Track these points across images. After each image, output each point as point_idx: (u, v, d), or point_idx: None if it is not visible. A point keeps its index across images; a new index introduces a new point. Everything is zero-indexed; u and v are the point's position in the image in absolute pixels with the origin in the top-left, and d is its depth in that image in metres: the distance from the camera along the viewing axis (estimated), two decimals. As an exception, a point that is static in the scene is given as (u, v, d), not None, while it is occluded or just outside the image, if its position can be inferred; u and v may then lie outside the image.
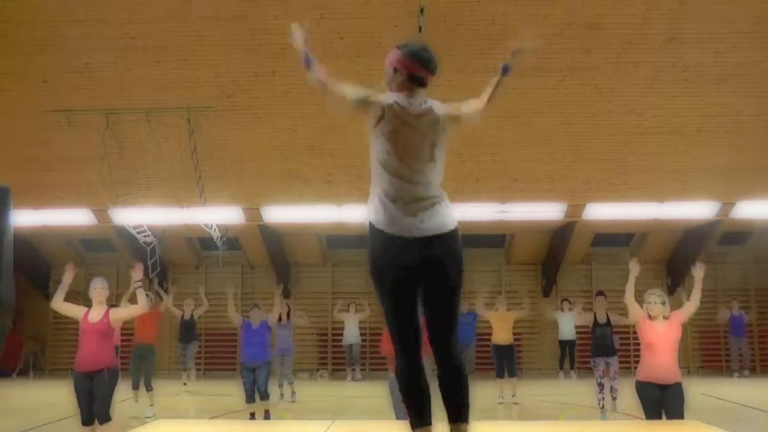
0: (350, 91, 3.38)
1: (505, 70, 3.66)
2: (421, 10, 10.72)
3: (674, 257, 17.27)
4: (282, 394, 12.41)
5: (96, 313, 6.86)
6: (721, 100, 12.16)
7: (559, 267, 17.09)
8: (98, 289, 6.96)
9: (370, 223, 3.43)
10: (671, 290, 17.46)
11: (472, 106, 3.58)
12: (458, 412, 3.30)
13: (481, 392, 13.14)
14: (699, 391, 13.38)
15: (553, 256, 17.04)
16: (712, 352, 17.00)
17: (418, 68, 3.44)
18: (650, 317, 6.27)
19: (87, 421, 6.68)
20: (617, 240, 17.58)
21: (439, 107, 3.44)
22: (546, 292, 17.55)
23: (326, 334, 17.65)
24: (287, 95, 12.14)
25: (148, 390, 10.71)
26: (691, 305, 6.35)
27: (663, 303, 6.27)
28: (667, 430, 5.63)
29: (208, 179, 13.22)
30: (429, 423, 3.36)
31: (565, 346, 15.95)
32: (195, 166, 12.91)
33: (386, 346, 6.70)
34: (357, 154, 12.67)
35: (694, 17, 11.08)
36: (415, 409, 3.35)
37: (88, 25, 11.33)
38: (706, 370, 16.95)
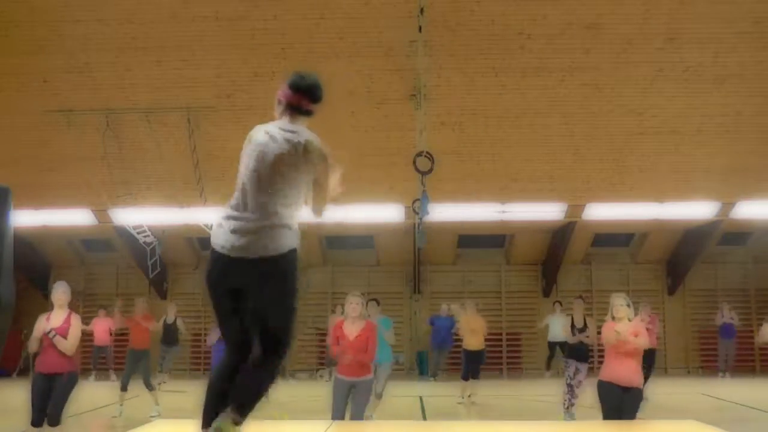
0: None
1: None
2: (421, 10, 10.72)
3: (674, 257, 17.27)
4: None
5: (57, 318, 6.85)
6: (721, 100, 12.17)
7: (559, 267, 17.09)
8: (59, 293, 6.97)
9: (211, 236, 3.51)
10: (671, 290, 17.48)
11: (320, 190, 3.61)
12: (240, 405, 3.32)
13: (446, 392, 13.24)
14: (698, 391, 13.41)
15: (553, 256, 17.04)
16: (711, 352, 16.99)
17: (293, 96, 3.56)
18: (614, 319, 6.28)
19: (37, 422, 6.67)
20: (617, 240, 17.57)
21: (310, 144, 3.47)
22: (546, 293, 17.55)
23: (326, 334, 17.62)
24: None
25: (149, 390, 10.79)
26: (641, 342, 6.27)
27: (627, 305, 6.29)
28: (666, 430, 5.64)
29: (208, 179, 13.23)
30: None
31: (554, 346, 15.91)
32: (195, 166, 12.91)
33: (332, 350, 6.87)
34: (357, 154, 12.68)
35: (694, 17, 11.08)
36: (210, 409, 3.38)
37: (88, 25, 11.34)
38: (705, 370, 16.95)
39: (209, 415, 3.36)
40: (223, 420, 3.28)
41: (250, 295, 3.35)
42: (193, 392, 14.28)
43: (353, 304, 6.76)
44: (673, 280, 17.39)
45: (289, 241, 3.37)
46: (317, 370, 17.16)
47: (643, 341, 6.20)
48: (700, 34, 11.33)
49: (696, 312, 17.45)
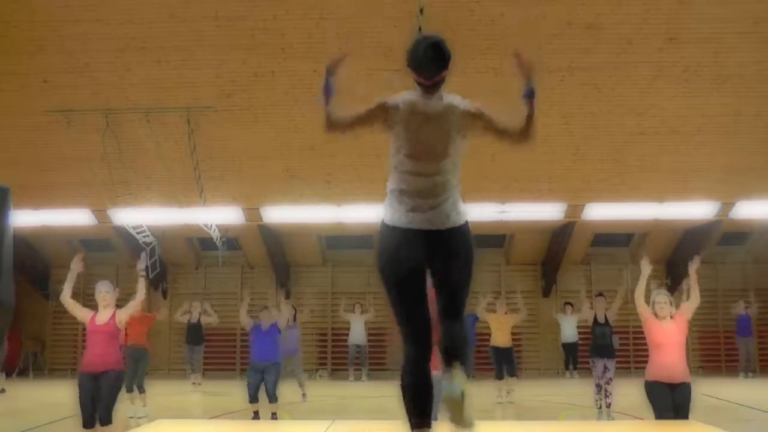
0: (364, 108, 3.41)
1: (530, 94, 3.41)
2: (421, 10, 10.72)
3: (674, 257, 17.26)
4: (304, 394, 12.42)
5: (103, 315, 6.89)
6: (721, 100, 12.16)
7: (559, 267, 17.08)
8: (103, 294, 6.98)
9: (382, 221, 3.36)
10: (671, 290, 17.45)
11: (503, 123, 3.43)
12: (454, 356, 3.26)
13: (479, 392, 13.19)
14: (699, 391, 13.32)
15: (552, 256, 17.04)
16: (711, 352, 16.99)
17: (415, 74, 3.39)
18: (658, 317, 6.28)
19: (89, 423, 6.63)
20: (617, 240, 17.58)
21: (459, 103, 3.38)
22: (546, 293, 17.55)
23: (326, 334, 17.65)
24: (287, 95, 12.14)
25: (140, 392, 10.72)
26: (693, 301, 6.39)
27: (670, 303, 6.32)
28: (667, 430, 5.63)
29: (207, 179, 13.22)
30: (429, 426, 3.29)
31: (567, 348, 15.98)
32: (195, 166, 12.91)
33: None
34: (357, 154, 12.68)
35: (694, 17, 11.08)
36: (417, 408, 3.27)
37: (88, 25, 11.33)
38: (705, 370, 16.94)
39: (427, 412, 3.26)
40: (457, 378, 3.18)
41: (435, 270, 3.32)
42: (203, 391, 14.33)
43: None
44: (672, 280, 17.37)
45: (465, 210, 3.41)
46: (317, 370, 17.16)
47: (692, 301, 6.37)
48: (700, 34, 11.32)
49: (696, 312, 17.30)
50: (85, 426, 6.65)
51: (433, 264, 3.32)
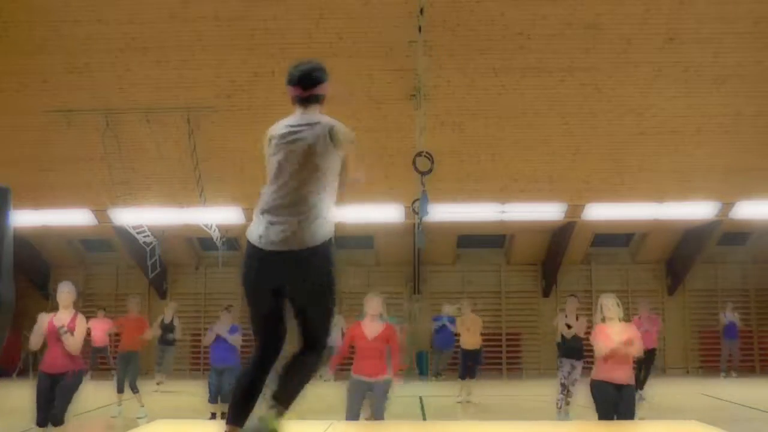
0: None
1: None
2: (421, 10, 10.72)
3: (674, 257, 17.27)
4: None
5: (63, 318, 6.82)
6: (721, 100, 12.16)
7: (559, 267, 17.09)
8: (65, 293, 6.95)
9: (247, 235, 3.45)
10: (671, 290, 17.48)
11: (345, 178, 3.66)
12: (276, 393, 3.33)
13: (446, 392, 13.22)
14: (698, 391, 13.40)
15: (552, 256, 17.04)
16: (711, 352, 17.00)
17: (289, 89, 3.62)
18: (604, 320, 6.31)
19: (42, 422, 6.65)
20: (617, 240, 17.58)
21: (325, 127, 3.47)
22: (546, 293, 17.55)
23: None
24: (287, 95, 12.12)
25: (134, 392, 10.79)
26: (636, 352, 6.26)
27: (617, 305, 6.28)
28: (666, 430, 5.63)
29: (208, 179, 13.23)
30: (241, 425, 3.34)
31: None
32: (195, 166, 12.91)
33: (343, 350, 6.82)
34: (356, 154, 12.66)
35: (694, 17, 11.09)
36: (238, 405, 3.35)
37: (88, 25, 11.34)
38: (705, 370, 16.94)
39: (240, 411, 3.31)
40: (267, 411, 3.25)
41: (289, 291, 3.34)
42: (193, 392, 14.37)
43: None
44: (672, 280, 17.39)
45: (323, 231, 3.35)
46: (317, 370, 17.13)
47: (637, 349, 6.17)
48: (700, 34, 11.32)
49: (696, 312, 17.45)
50: (37, 424, 6.66)
51: (281, 285, 3.36)
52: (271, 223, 3.31)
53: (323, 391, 14.03)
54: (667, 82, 11.97)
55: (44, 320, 6.84)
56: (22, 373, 17.07)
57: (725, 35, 11.32)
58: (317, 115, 3.54)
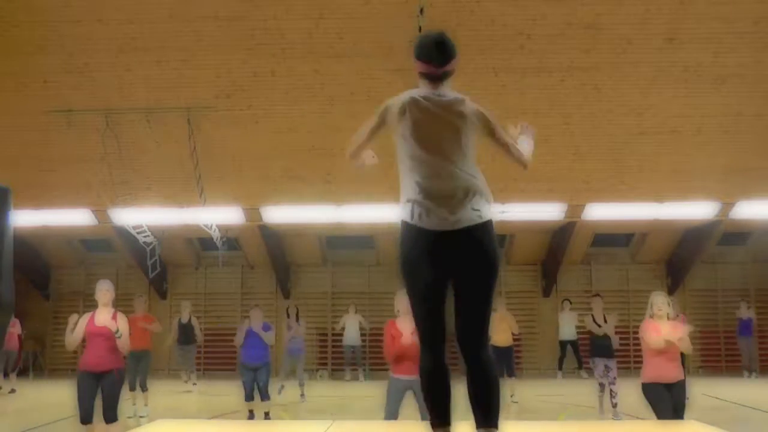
0: (367, 123, 3.40)
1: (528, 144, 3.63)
2: (421, 10, 10.72)
3: (674, 257, 17.27)
4: (303, 395, 12.46)
5: (102, 316, 6.84)
6: (721, 100, 12.16)
7: (559, 267, 17.09)
8: (103, 291, 6.97)
9: (402, 221, 3.24)
10: (671, 290, 17.47)
11: (506, 138, 3.50)
12: (486, 417, 3.12)
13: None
14: (699, 391, 13.38)
15: (552, 256, 17.05)
16: (711, 352, 17.00)
17: (424, 65, 3.33)
18: (653, 317, 6.36)
19: (86, 418, 6.65)
20: (617, 240, 17.58)
21: (471, 104, 3.33)
22: (546, 293, 17.56)
23: (326, 334, 17.65)
24: (287, 95, 12.14)
25: (143, 390, 10.79)
26: (687, 347, 6.32)
27: (668, 304, 6.35)
28: (667, 430, 5.63)
29: (208, 179, 13.22)
30: (449, 423, 3.25)
31: (566, 345, 15.94)
32: (195, 166, 12.91)
33: (389, 350, 6.61)
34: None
35: (694, 17, 11.08)
36: (437, 408, 3.24)
37: (88, 25, 11.34)
38: (705, 370, 16.94)
39: (447, 410, 3.22)
40: None
41: (459, 275, 3.14)
42: (203, 392, 14.36)
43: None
44: (672, 280, 17.39)
45: (489, 207, 3.23)
46: (317, 370, 17.16)
47: (688, 345, 6.26)
48: (700, 34, 11.32)
49: (696, 312, 17.42)
50: (82, 422, 6.66)
51: (452, 268, 3.16)
52: (439, 203, 3.14)
53: (358, 392, 14.01)
54: (667, 82, 11.97)
55: (83, 320, 6.83)
56: (23, 373, 17.07)
57: (725, 35, 11.32)
58: (448, 91, 3.33)
